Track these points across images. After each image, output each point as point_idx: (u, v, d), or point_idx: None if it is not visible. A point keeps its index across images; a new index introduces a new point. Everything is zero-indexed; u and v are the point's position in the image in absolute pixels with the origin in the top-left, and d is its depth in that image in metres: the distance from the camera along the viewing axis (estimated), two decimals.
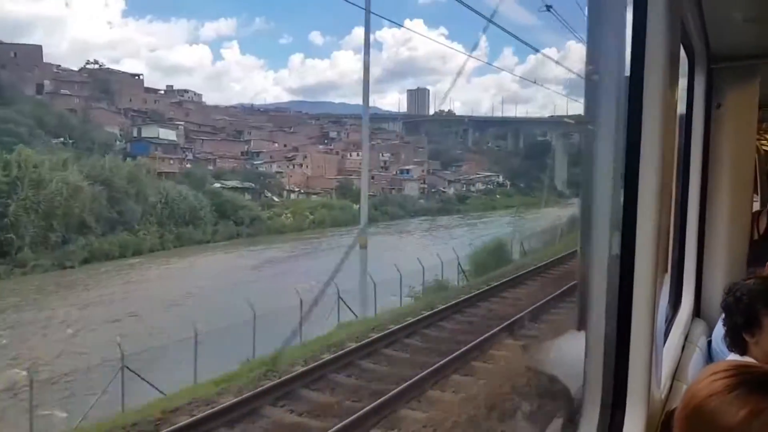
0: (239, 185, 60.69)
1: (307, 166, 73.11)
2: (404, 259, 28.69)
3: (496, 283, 19.59)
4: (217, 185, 57.83)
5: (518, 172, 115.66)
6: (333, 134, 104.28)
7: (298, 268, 32.93)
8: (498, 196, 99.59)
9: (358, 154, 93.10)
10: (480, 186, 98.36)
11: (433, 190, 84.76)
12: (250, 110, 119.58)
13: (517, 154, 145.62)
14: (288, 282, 25.84)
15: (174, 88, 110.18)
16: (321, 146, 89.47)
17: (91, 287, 28.12)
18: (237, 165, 66.30)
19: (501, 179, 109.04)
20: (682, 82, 3.22)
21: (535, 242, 40.16)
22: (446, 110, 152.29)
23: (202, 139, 66.28)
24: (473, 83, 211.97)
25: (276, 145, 77.24)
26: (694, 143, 3.69)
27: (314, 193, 68.67)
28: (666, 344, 2.73)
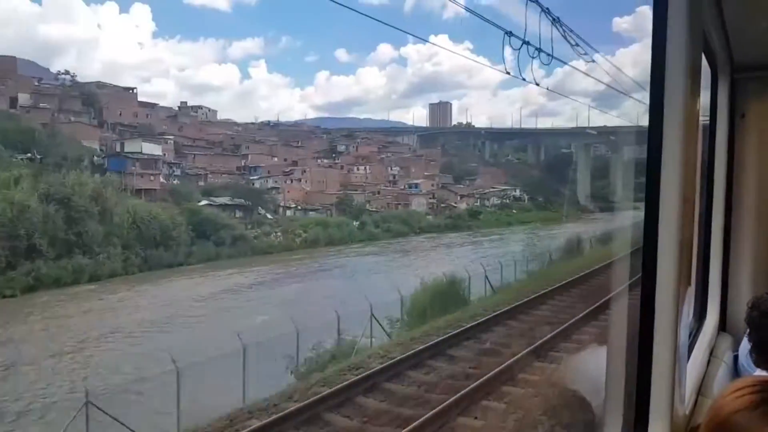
0: (229, 202, 57.04)
1: (306, 181, 69.20)
2: (378, 288, 24.52)
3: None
4: (204, 202, 54.26)
5: (537, 186, 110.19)
6: (341, 148, 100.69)
7: (258, 297, 28.95)
8: (514, 210, 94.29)
9: (365, 168, 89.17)
10: (495, 200, 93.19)
11: (442, 205, 79.99)
12: (261, 126, 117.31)
13: (537, 167, 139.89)
14: (234, 321, 21.64)
15: (197, 104, 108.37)
16: (327, 160, 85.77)
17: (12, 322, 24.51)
18: (231, 180, 62.80)
19: (518, 193, 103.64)
20: (705, 93, 3.11)
21: (543, 263, 35.18)
22: (465, 123, 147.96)
23: (194, 154, 63.05)
24: (500, 96, 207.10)
25: (276, 159, 73.65)
26: (718, 154, 3.62)
27: (312, 209, 64.65)
28: (690, 359, 2.59)
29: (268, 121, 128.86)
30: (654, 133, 1.85)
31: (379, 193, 79.30)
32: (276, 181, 64.43)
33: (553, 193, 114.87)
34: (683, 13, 1.79)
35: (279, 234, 52.63)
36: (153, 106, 70.58)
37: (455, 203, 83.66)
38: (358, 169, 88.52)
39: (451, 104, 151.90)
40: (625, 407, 2.01)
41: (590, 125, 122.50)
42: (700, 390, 2.67)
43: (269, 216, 59.42)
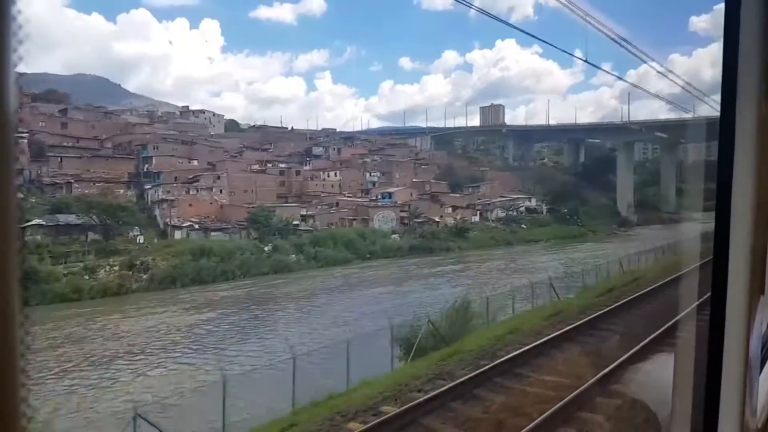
0: (77, 221, 40.63)
1: (221, 191, 52.08)
2: None
3: None
4: (36, 221, 38.09)
5: (561, 194, 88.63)
6: (318, 151, 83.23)
7: None
8: (524, 225, 73.79)
9: (335, 174, 71.33)
10: (500, 213, 73.25)
11: (417, 220, 60.94)
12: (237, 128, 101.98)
13: (569, 171, 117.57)
14: None
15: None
16: (284, 165, 68.67)
17: None
18: (109, 189, 46.51)
19: (534, 203, 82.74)
20: None
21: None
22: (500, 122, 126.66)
23: (62, 157, 47.46)
24: (569, 101, 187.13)
25: (196, 163, 56.96)
26: None
27: (219, 229, 47.40)
28: (763, 371, 2.49)
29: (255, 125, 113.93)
30: (725, 135, 1.75)
31: (337, 205, 61.25)
32: (170, 192, 47.63)
33: (581, 202, 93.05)
34: (758, 7, 1.69)
35: (114, 269, 35.59)
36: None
37: (439, 217, 64.36)
38: (329, 176, 70.92)
39: (503, 107, 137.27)
40: (692, 419, 1.96)
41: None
42: None
43: (141, 240, 42.60)
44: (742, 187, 1.75)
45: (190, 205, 48.53)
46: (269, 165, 64.90)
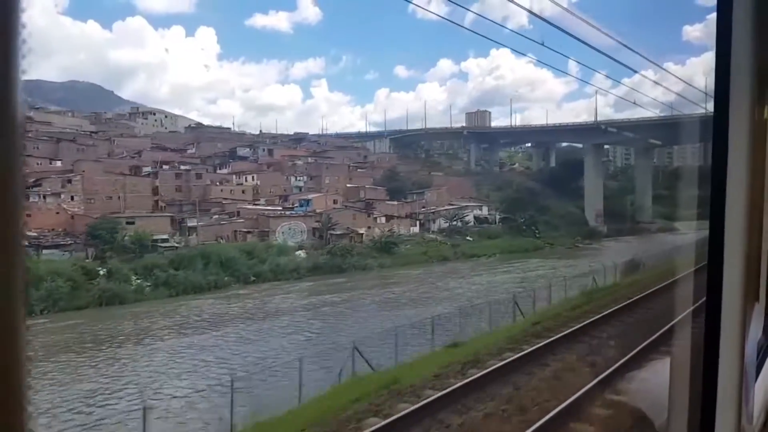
0: None
1: (72, 197, 42.12)
2: None
3: None
4: None
5: (520, 201, 78.95)
6: (244, 152, 73.41)
7: None
8: (469, 238, 64.14)
9: (251, 179, 61.46)
10: (443, 223, 63.45)
11: (335, 233, 51.18)
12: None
13: (534, 176, 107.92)
14: None
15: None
16: (186, 166, 58.85)
17: None
18: None
19: (486, 211, 72.89)
20: None
21: None
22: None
23: None
24: (564, 109, 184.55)
25: (60, 164, 47.02)
26: None
27: (55, 246, 37.46)
28: (759, 377, 2.55)
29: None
30: (718, 141, 1.75)
31: (238, 214, 51.40)
32: None
33: (543, 211, 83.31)
34: (749, 15, 1.71)
35: None
36: None
37: (367, 228, 54.64)
38: (246, 180, 61.12)
39: (489, 113, 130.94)
40: (689, 425, 1.98)
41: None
42: None
43: None
44: (736, 193, 1.74)
45: (28, 215, 38.64)
46: (165, 167, 54.98)
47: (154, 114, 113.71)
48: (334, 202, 56.12)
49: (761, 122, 1.87)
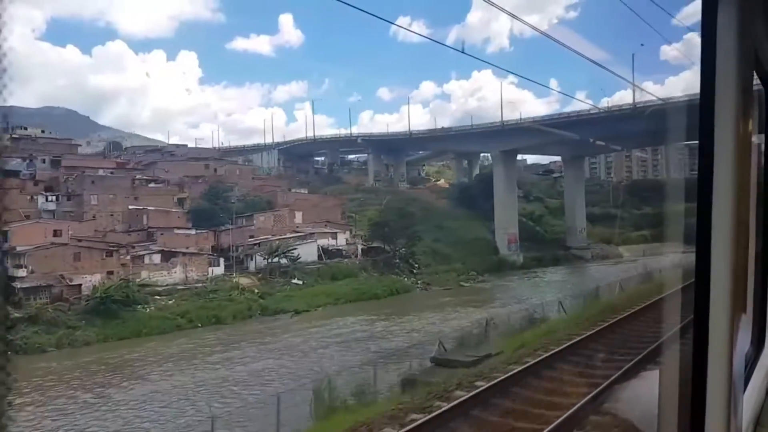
0: None
1: None
2: None
3: None
4: None
5: (403, 225, 59.52)
6: (14, 163, 53.20)
7: None
8: (297, 281, 43.59)
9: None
10: (261, 260, 43.95)
11: (24, 286, 31.55)
12: None
13: (440, 192, 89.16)
14: None
15: None
16: None
17: None
18: None
19: (343, 241, 53.31)
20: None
21: None
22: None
23: None
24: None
25: None
26: None
27: None
28: (747, 388, 2.51)
29: None
30: (705, 156, 1.76)
31: None
32: None
33: (439, 235, 64.38)
34: (733, 31, 1.71)
35: None
36: None
37: (103, 274, 35.05)
38: None
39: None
40: None
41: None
42: (759, 420, 2.62)
43: None
44: (722, 206, 1.74)
45: None
46: None
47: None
48: (56, 233, 36.19)
49: (746, 136, 1.84)
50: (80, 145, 67.25)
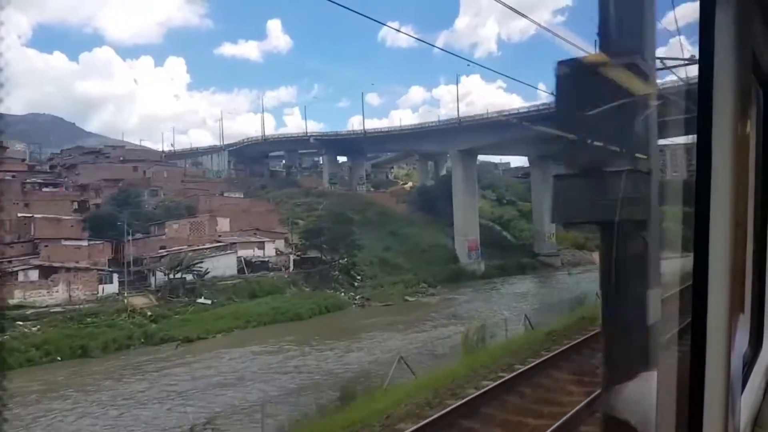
0: None
1: None
2: None
3: None
4: None
5: (347, 232, 53.43)
6: None
7: None
8: (204, 300, 37.54)
9: None
10: (163, 274, 37.66)
11: None
12: None
13: (402, 196, 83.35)
14: None
15: None
16: None
17: None
18: None
19: (272, 251, 47.14)
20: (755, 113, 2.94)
21: None
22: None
23: None
24: None
25: None
26: None
27: None
28: (745, 389, 2.52)
29: None
30: (702, 157, 1.77)
31: None
32: None
33: (392, 243, 58.48)
34: (731, 32, 1.72)
35: None
36: None
37: None
38: None
39: None
40: None
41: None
42: (756, 421, 2.59)
43: None
44: (720, 208, 1.74)
45: None
46: None
47: None
48: None
49: (744, 137, 1.84)
50: None
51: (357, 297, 43.81)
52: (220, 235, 45.62)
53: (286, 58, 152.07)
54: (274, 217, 50.41)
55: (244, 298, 39.29)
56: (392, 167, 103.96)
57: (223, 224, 47.51)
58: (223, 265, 40.88)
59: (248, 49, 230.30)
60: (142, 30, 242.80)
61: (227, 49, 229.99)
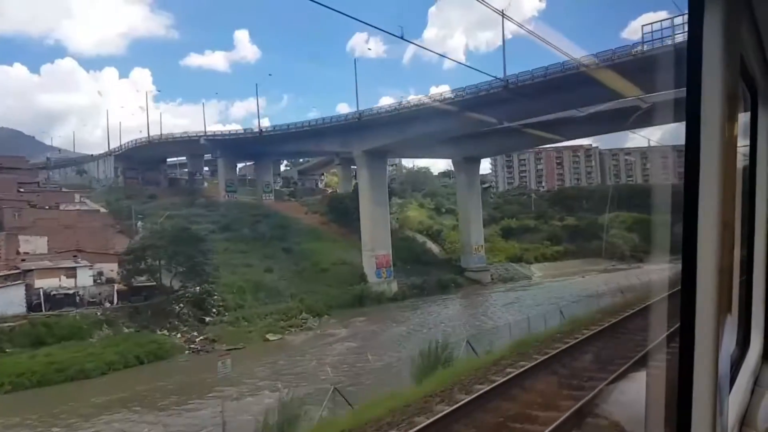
0: None
1: None
2: None
3: None
4: None
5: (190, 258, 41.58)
6: None
7: None
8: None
9: None
10: None
11: None
12: None
13: (313, 205, 72.44)
14: None
15: None
16: None
17: None
18: None
19: (88, 280, 36.53)
20: (744, 118, 2.94)
21: None
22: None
23: None
24: None
25: None
26: (759, 180, 3.30)
27: None
28: (733, 389, 2.54)
29: None
30: (691, 161, 1.79)
31: None
32: None
33: (288, 263, 47.71)
34: (719, 36, 1.73)
35: None
36: None
37: None
38: None
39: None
40: None
41: None
42: (744, 421, 2.64)
43: None
44: (708, 210, 1.77)
45: None
46: None
47: None
48: None
49: (732, 141, 1.88)
50: None
51: (199, 339, 33.35)
52: (23, 260, 34.67)
53: (255, 68, 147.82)
54: (107, 234, 39.52)
55: (24, 347, 28.55)
56: (322, 174, 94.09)
57: (38, 244, 36.56)
58: (3, 301, 29.99)
59: (215, 60, 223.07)
60: (105, 41, 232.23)
61: (194, 60, 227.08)
